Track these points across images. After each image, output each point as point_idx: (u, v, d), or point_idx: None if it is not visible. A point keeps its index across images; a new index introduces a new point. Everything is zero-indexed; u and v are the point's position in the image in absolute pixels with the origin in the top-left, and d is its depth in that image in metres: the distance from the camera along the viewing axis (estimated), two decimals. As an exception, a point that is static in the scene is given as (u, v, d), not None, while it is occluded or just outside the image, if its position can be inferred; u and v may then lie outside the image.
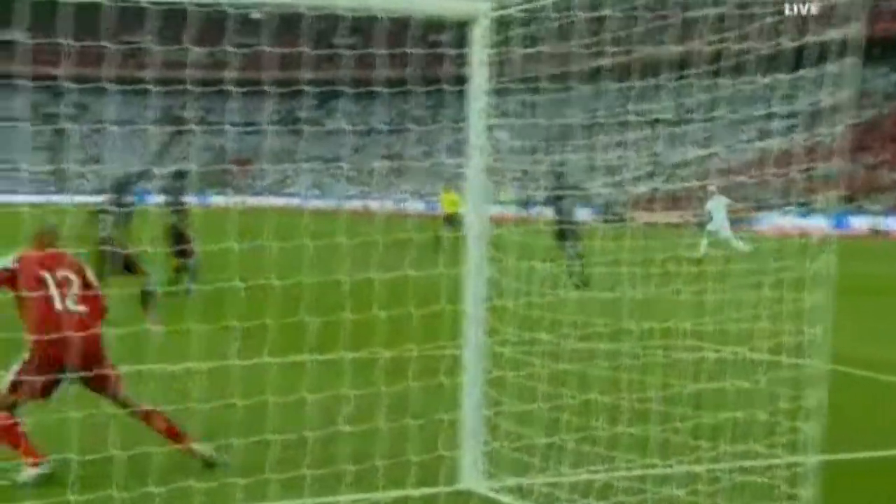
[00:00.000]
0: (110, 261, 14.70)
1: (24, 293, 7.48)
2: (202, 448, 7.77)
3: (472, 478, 7.35)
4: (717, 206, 29.49)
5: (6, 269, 7.55)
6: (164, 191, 19.05)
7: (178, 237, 17.80)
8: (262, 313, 8.43)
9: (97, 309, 7.88)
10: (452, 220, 32.23)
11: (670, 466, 7.56)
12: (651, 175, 44.08)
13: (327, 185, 66.02)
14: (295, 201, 57.08)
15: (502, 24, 7.57)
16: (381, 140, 68.71)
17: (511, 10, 7.65)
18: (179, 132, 68.32)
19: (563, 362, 8.75)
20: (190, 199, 18.37)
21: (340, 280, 9.57)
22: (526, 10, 7.73)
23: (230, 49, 10.12)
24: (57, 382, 7.63)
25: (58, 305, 7.53)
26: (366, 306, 8.85)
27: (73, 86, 8.84)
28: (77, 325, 7.50)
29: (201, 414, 8.07)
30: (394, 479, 7.35)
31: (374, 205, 48.58)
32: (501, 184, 8.20)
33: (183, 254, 17.84)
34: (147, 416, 7.81)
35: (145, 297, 14.44)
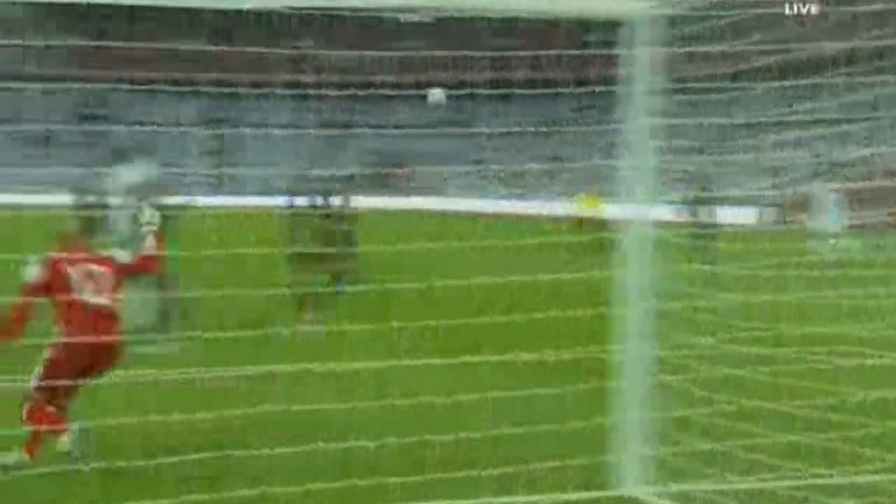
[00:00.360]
0: (300, 261, 15.27)
1: (56, 294, 7.58)
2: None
3: (633, 483, 7.29)
4: (824, 205, 28.28)
5: (38, 282, 7.62)
6: (328, 193, 19.38)
7: (340, 239, 18.10)
8: (421, 315, 8.53)
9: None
10: (589, 223, 32.16)
11: (834, 476, 7.36)
12: (814, 175, 42.89)
13: (482, 187, 66.23)
14: (452, 203, 57.47)
15: (663, 23, 7.48)
16: (536, 142, 68.59)
17: (671, 10, 7.56)
18: (340, 135, 69.45)
19: (725, 367, 8.61)
20: (352, 202, 18.61)
21: (497, 282, 9.62)
22: (687, 9, 7.63)
23: (386, 53, 10.27)
24: (83, 378, 7.67)
25: (85, 300, 7.63)
26: (523, 308, 8.86)
27: (243, 90, 9.09)
28: (105, 319, 7.64)
29: (367, 413, 8.22)
30: (553, 483, 7.34)
31: (527, 207, 48.54)
32: (663, 184, 8.11)
33: (344, 256, 18.13)
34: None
35: (314, 298, 14.85)
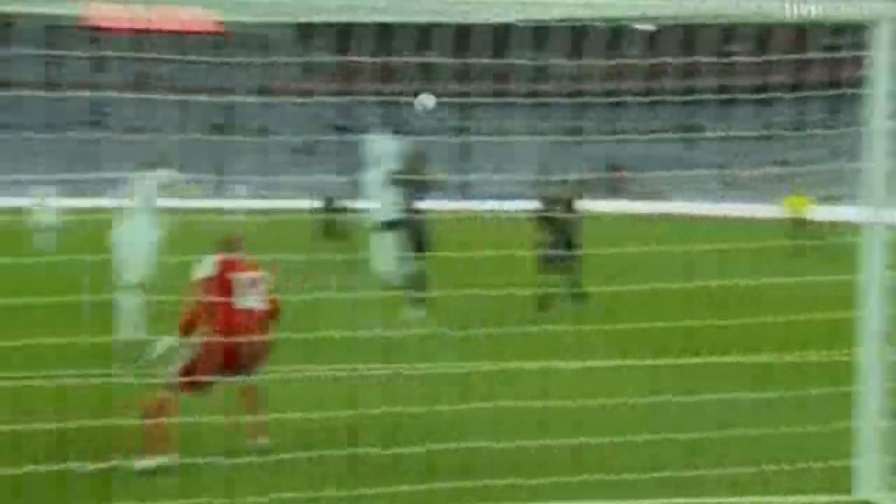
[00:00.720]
0: (546, 261, 15.75)
1: (216, 294, 7.95)
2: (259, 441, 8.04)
3: (873, 488, 7.20)
4: None
5: (209, 278, 8.01)
6: (554, 199, 19.61)
7: (565, 243, 18.29)
8: (645, 317, 8.63)
9: (275, 309, 8.37)
10: (799, 225, 31.34)
11: None
12: None
13: (717, 191, 65.00)
14: (682, 207, 56.73)
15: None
16: (773, 146, 66.88)
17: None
18: (573, 142, 69.79)
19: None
20: (581, 206, 18.72)
21: (730, 285, 9.62)
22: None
23: (632, 61, 10.42)
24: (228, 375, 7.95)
25: (242, 305, 8.01)
26: (758, 311, 8.81)
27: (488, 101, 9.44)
28: (257, 324, 8.02)
29: (603, 412, 8.36)
30: (789, 485, 7.33)
31: (754, 210, 47.24)
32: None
33: (570, 259, 18.31)
34: (250, 401, 8.25)
35: (553, 299, 15.29)
